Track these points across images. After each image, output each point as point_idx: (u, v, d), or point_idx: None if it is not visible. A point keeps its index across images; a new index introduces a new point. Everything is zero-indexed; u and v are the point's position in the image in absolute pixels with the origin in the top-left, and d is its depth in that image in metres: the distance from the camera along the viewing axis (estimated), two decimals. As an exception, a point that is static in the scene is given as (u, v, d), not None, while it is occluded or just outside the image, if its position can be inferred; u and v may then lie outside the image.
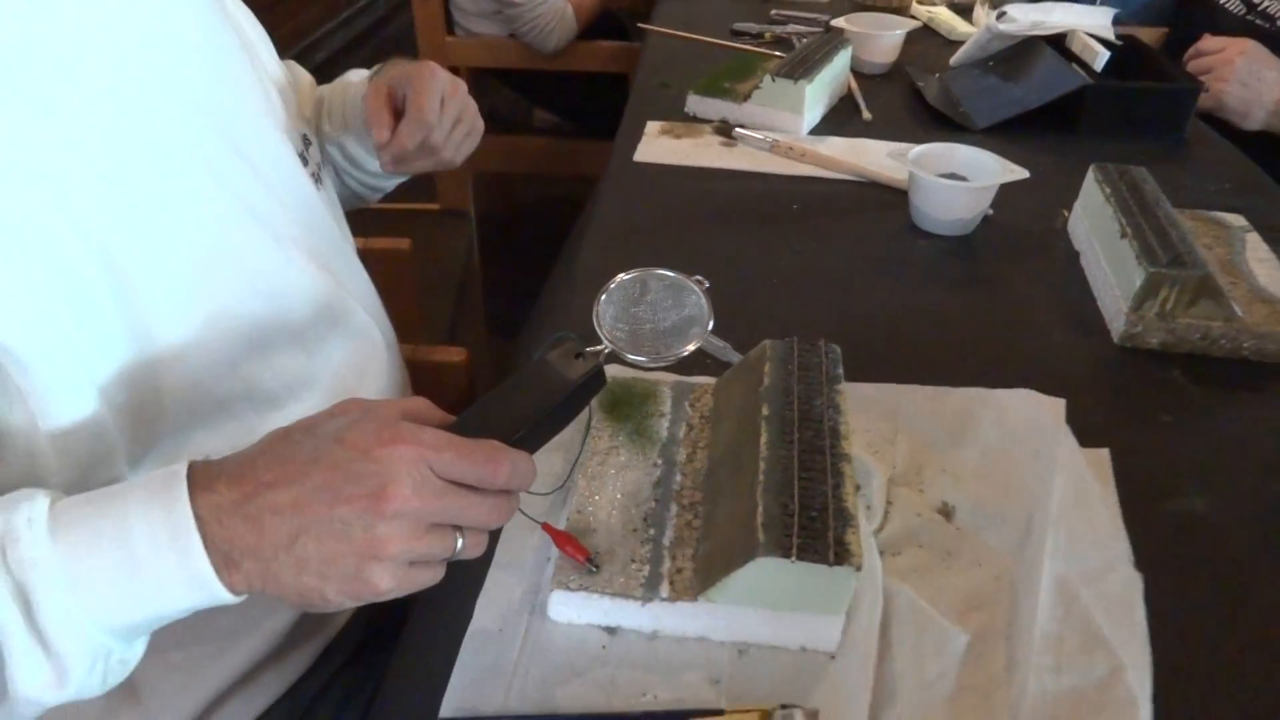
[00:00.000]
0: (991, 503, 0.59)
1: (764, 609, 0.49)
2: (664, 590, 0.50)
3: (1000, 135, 1.15)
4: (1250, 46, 1.26)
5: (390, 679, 0.52)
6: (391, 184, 0.91)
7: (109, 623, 0.39)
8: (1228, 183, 1.05)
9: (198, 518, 0.39)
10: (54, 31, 0.46)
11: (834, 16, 1.43)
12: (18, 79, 0.44)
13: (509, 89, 1.90)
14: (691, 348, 0.55)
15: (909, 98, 1.25)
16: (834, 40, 1.22)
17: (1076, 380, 0.73)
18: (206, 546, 0.39)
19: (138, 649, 0.43)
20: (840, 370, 0.60)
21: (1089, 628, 0.50)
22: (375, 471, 0.40)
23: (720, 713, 0.46)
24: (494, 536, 0.55)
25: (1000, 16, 1.26)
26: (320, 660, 0.66)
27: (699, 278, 0.58)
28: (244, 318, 0.54)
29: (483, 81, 1.92)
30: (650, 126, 1.13)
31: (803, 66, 1.12)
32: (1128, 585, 0.53)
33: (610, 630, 0.51)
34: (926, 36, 1.51)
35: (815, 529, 0.48)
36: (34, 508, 0.38)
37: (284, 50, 0.74)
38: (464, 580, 0.55)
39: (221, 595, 0.40)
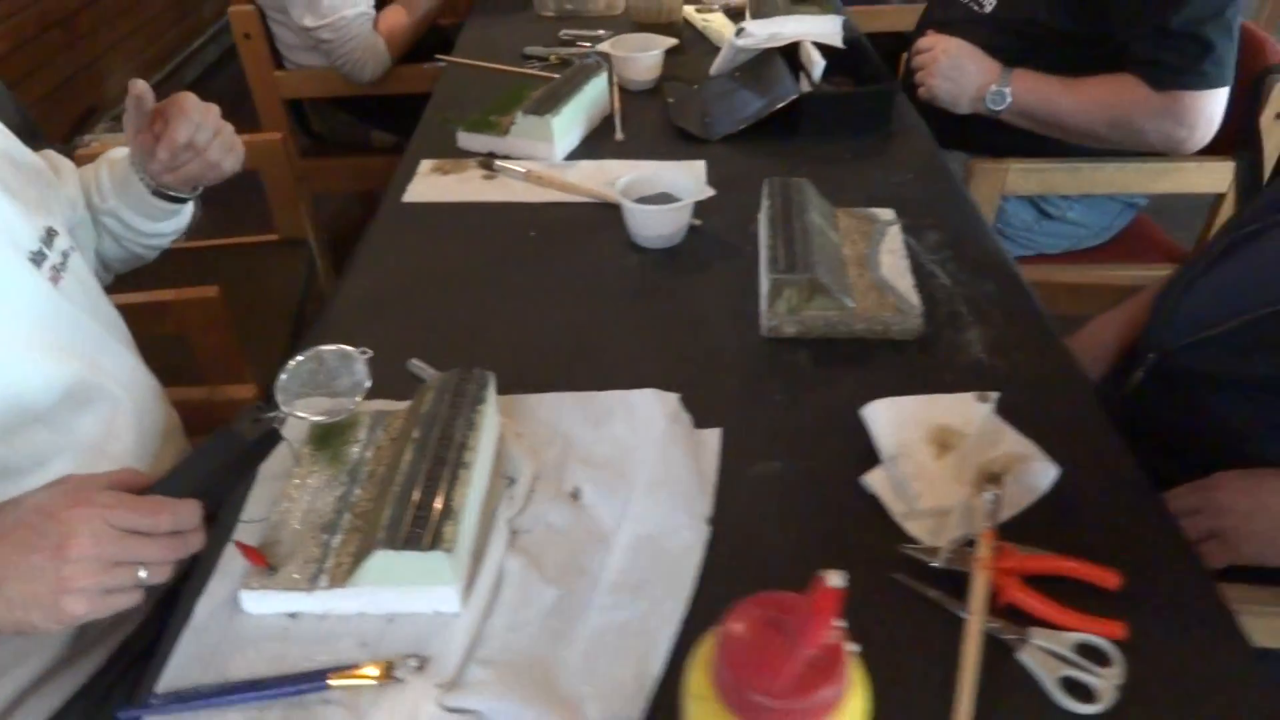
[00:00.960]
0: (610, 484, 0.75)
1: (398, 586, 0.65)
2: (324, 581, 0.66)
3: (736, 143, 1.31)
4: (953, 45, 1.44)
5: (152, 667, 0.68)
6: (167, 240, 1.04)
7: None
8: (912, 173, 1.23)
9: None
10: None
11: (614, 34, 1.58)
12: None
13: (344, 113, 2.02)
14: (354, 403, 0.72)
15: (665, 113, 1.41)
16: (590, 67, 1.37)
17: (728, 369, 0.91)
18: None
19: None
20: (486, 393, 0.76)
21: (647, 574, 0.68)
22: (58, 529, 0.56)
23: (357, 666, 0.63)
24: (215, 554, 0.71)
25: (739, 33, 1.42)
26: (117, 654, 0.81)
27: (364, 349, 0.75)
28: None
29: (318, 108, 2.04)
30: (423, 165, 1.27)
31: (552, 100, 1.27)
32: (694, 537, 0.71)
33: (292, 615, 0.67)
34: (700, 43, 1.66)
35: (422, 525, 0.64)
36: None
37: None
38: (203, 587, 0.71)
39: None
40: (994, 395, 0.80)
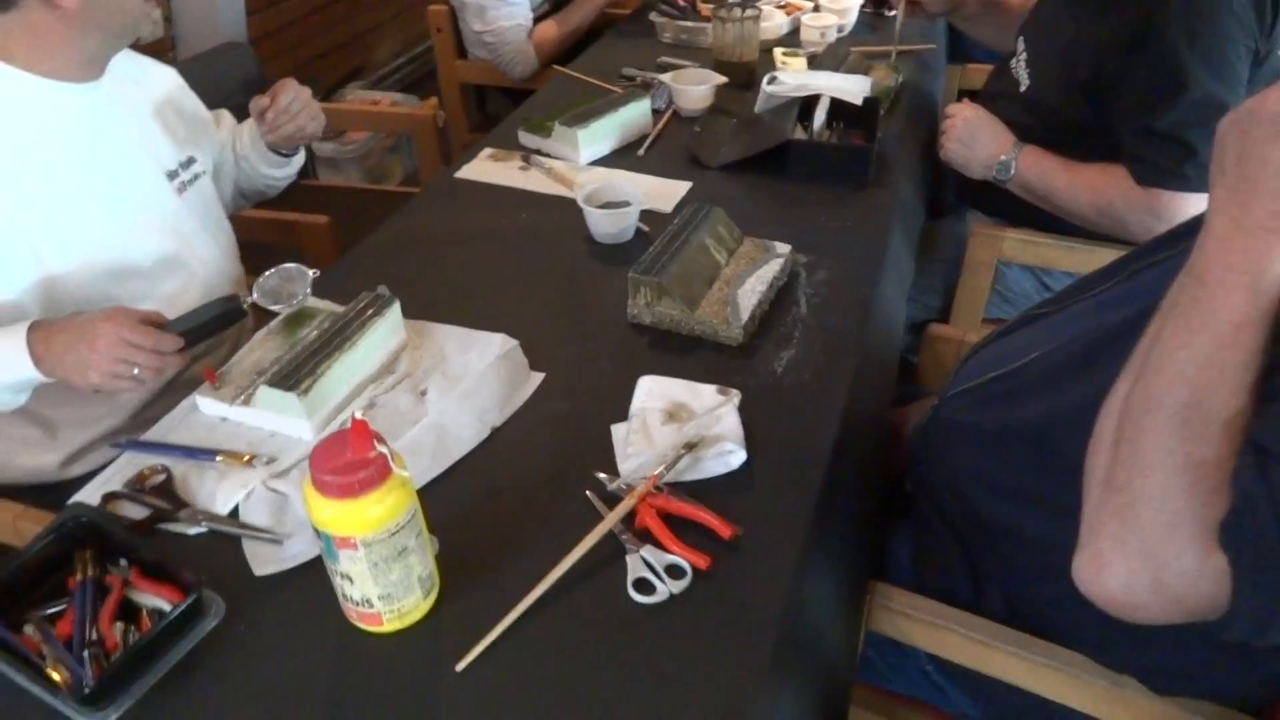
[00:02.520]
0: (445, 390, 1.08)
1: (278, 414, 1.02)
2: (241, 399, 1.04)
3: (734, 172, 1.56)
4: (972, 113, 1.58)
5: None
6: (282, 182, 1.49)
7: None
8: (851, 221, 1.41)
9: (29, 338, 0.99)
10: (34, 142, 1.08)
11: (699, 65, 1.87)
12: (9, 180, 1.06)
13: (507, 99, 2.45)
14: (297, 302, 1.10)
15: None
16: (637, 92, 1.66)
17: (589, 339, 1.19)
18: (30, 348, 0.99)
19: (21, 399, 1.05)
20: (387, 310, 1.11)
21: (425, 446, 0.99)
22: (94, 332, 0.98)
23: (236, 454, 1.00)
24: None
25: (771, 81, 1.65)
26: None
27: (316, 270, 1.13)
28: (104, 264, 1.14)
29: (487, 93, 2.48)
30: (484, 151, 1.64)
31: (589, 115, 1.58)
32: (474, 435, 1.02)
33: (223, 419, 1.06)
34: (772, 84, 1.89)
35: (294, 376, 1.00)
36: None
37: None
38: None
39: (35, 374, 0.99)
40: (735, 393, 1.03)
